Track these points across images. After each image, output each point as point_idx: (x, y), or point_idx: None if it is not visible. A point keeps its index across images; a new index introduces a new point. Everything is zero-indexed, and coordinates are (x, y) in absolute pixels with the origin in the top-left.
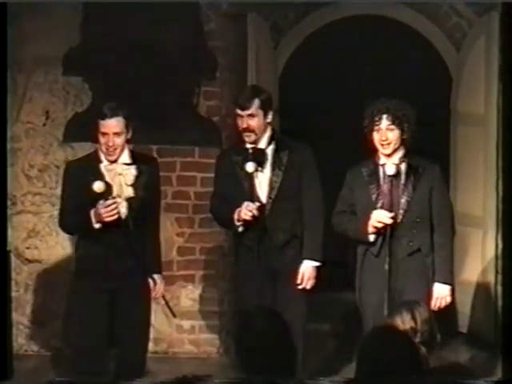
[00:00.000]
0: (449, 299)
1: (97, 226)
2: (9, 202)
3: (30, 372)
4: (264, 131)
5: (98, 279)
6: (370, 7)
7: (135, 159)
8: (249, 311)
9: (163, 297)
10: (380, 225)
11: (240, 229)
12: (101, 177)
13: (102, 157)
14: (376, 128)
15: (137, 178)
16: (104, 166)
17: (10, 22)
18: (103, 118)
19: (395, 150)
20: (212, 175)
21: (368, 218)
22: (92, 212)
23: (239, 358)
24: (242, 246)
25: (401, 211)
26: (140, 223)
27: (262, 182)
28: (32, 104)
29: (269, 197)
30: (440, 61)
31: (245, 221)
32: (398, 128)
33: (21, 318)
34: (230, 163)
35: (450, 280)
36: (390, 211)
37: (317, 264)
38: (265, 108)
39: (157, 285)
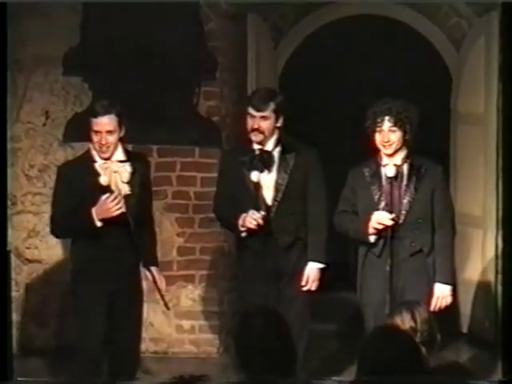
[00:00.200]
0: (450, 299)
1: (99, 224)
2: (9, 202)
3: (30, 372)
4: (272, 134)
5: (97, 281)
6: (370, 7)
7: (129, 156)
8: (249, 311)
9: (158, 289)
10: (380, 226)
11: (243, 234)
12: (97, 176)
13: (96, 155)
14: (378, 129)
15: (132, 174)
16: (99, 164)
17: (9, 22)
18: (95, 116)
19: (397, 151)
20: (212, 175)
21: (369, 219)
22: (94, 210)
23: (239, 358)
24: (246, 247)
25: (403, 212)
26: (138, 220)
27: (268, 185)
28: (32, 104)
29: (274, 199)
30: (440, 61)
31: (249, 228)
32: (400, 129)
33: (21, 318)
34: (235, 163)
35: (450, 280)
36: (391, 212)
37: (321, 266)
38: (277, 112)
39: (156, 277)
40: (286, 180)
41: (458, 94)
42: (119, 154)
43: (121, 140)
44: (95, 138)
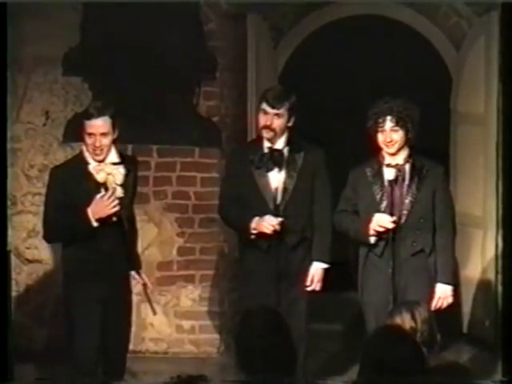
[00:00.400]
0: (451, 299)
1: (95, 224)
2: (9, 202)
3: (30, 372)
4: (283, 133)
5: (89, 284)
6: (370, 7)
7: (122, 158)
8: (249, 311)
9: (146, 292)
10: (381, 229)
11: (253, 236)
12: (91, 178)
13: (89, 158)
14: (380, 129)
15: (125, 177)
16: (93, 166)
17: (9, 22)
18: (89, 119)
19: (399, 150)
20: (212, 175)
21: (370, 220)
22: (89, 210)
23: (239, 358)
24: (251, 246)
25: (404, 211)
26: (129, 222)
27: (277, 184)
28: (32, 104)
29: (283, 198)
30: (440, 61)
31: (263, 232)
32: (402, 129)
33: (21, 317)
34: (244, 162)
35: (452, 280)
36: (392, 215)
37: (326, 266)
38: (291, 112)
39: (145, 280)
40: (295, 179)
41: (458, 93)
42: (113, 157)
43: (114, 142)
44: (89, 140)
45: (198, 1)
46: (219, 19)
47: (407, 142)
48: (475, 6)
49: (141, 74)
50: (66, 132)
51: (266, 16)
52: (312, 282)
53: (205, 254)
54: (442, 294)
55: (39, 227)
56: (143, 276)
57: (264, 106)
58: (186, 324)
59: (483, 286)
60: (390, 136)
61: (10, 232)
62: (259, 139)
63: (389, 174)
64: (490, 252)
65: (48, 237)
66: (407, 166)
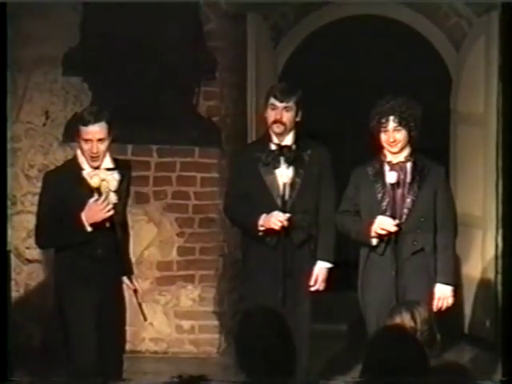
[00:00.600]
0: (451, 300)
1: (89, 229)
2: (9, 202)
3: (30, 373)
4: (292, 128)
5: (82, 289)
6: (370, 7)
7: (117, 164)
8: (249, 311)
9: (137, 298)
10: (383, 232)
11: (260, 233)
12: (85, 183)
13: (84, 163)
14: (383, 129)
15: (120, 182)
16: (87, 172)
17: (9, 22)
18: (86, 124)
19: (402, 149)
20: (212, 175)
21: (372, 220)
22: (83, 214)
23: (239, 358)
24: (257, 244)
25: (405, 210)
26: (122, 227)
27: (285, 180)
28: (32, 104)
29: (290, 195)
30: (440, 61)
31: (271, 229)
32: (404, 128)
33: (21, 317)
34: (250, 160)
35: (452, 281)
36: (393, 214)
37: (330, 265)
38: (298, 106)
39: (136, 285)
40: (302, 176)
41: (458, 94)
42: (107, 162)
43: (108, 147)
44: (85, 146)
45: (198, 1)
46: (219, 19)
47: (409, 141)
48: (475, 6)
49: (140, 74)
50: (66, 132)
51: (266, 16)
52: (316, 281)
53: (205, 254)
54: (442, 294)
55: None
56: (134, 282)
57: (272, 100)
58: (186, 324)
59: (483, 286)
60: (393, 136)
61: (9, 232)
62: (266, 137)
63: (391, 177)
64: (490, 252)
65: (41, 242)
66: (409, 165)
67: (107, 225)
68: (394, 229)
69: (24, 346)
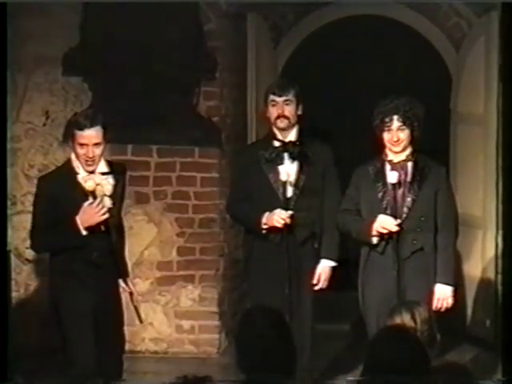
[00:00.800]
0: (450, 300)
1: (84, 232)
2: (9, 202)
3: (30, 373)
4: (295, 123)
5: (78, 293)
6: (370, 7)
7: (111, 167)
8: (249, 311)
9: (132, 301)
10: (385, 231)
11: (264, 231)
12: (79, 187)
13: (79, 167)
14: (387, 129)
15: (114, 187)
16: (82, 177)
17: (9, 22)
18: (82, 129)
19: (404, 148)
20: (212, 175)
21: (373, 219)
22: (78, 218)
23: (239, 358)
24: (261, 243)
25: (405, 209)
26: (117, 231)
27: (289, 178)
28: (32, 104)
29: (294, 193)
30: (440, 61)
31: (274, 226)
32: (408, 128)
33: (21, 317)
34: (253, 158)
35: (451, 281)
36: (394, 213)
37: (333, 264)
38: (298, 98)
39: (132, 288)
40: (306, 173)
41: (458, 94)
42: (102, 166)
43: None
44: (81, 150)
45: (198, 1)
46: (219, 19)
47: (411, 141)
48: (475, 6)
49: (140, 74)
50: (66, 132)
51: (266, 16)
52: (319, 280)
53: (205, 254)
54: (442, 294)
55: None
56: (130, 285)
57: (272, 97)
58: (186, 324)
59: (483, 286)
60: (397, 135)
61: (9, 232)
62: (269, 135)
63: (391, 177)
64: (490, 252)
65: (36, 246)
66: (409, 164)
67: (102, 228)
68: (395, 228)
69: (24, 345)
